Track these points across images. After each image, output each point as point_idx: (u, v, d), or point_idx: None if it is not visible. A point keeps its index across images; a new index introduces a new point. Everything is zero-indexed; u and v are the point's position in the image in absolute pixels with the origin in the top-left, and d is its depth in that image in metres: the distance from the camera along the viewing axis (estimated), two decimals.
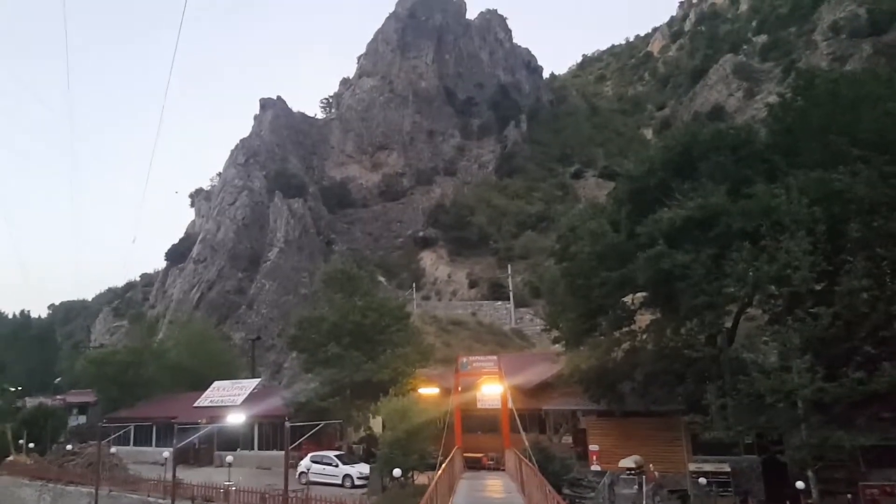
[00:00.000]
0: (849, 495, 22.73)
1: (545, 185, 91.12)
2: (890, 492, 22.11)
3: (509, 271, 66.64)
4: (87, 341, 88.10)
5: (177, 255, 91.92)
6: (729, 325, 27.07)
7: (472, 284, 74.31)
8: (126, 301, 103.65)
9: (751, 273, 23.09)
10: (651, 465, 25.66)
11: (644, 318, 29.10)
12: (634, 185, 28.40)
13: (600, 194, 45.99)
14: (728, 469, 24.67)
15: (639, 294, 29.09)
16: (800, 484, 22.27)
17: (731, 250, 23.54)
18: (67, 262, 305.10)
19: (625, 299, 28.70)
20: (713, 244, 24.62)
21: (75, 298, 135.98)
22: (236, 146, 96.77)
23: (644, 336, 28.01)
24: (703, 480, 24.01)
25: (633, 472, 25.15)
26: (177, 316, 69.40)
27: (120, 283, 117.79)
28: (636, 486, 24.28)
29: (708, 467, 24.88)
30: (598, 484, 24.69)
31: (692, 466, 25.32)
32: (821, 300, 22.84)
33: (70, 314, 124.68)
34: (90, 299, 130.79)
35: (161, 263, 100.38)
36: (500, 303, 66.95)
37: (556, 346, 35.04)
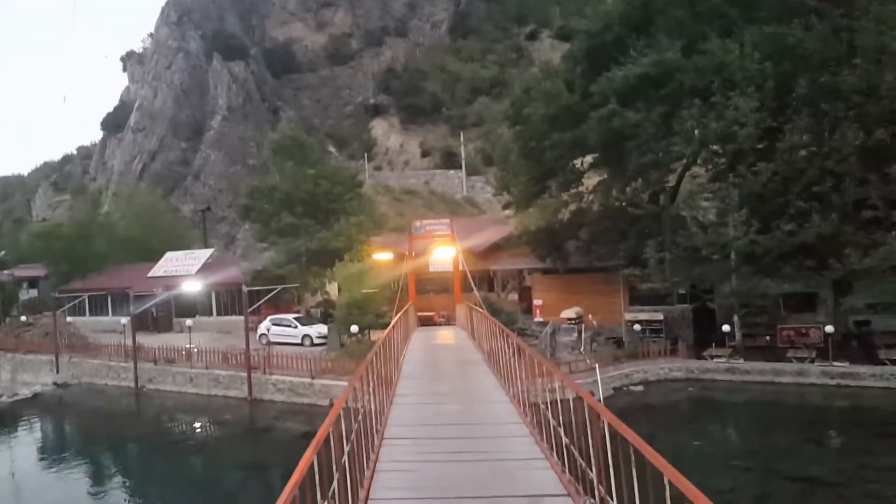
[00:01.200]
0: (767, 337, 25.07)
1: (500, 48, 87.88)
2: (804, 332, 24.34)
3: (462, 139, 65.95)
4: (28, 217, 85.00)
5: (113, 124, 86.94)
6: (672, 183, 28.09)
7: (425, 154, 73.46)
8: (65, 175, 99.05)
9: (697, 131, 23.72)
10: (590, 316, 27.43)
11: (591, 181, 29.90)
12: (591, 42, 27.88)
13: (555, 57, 44.75)
14: (661, 317, 26.62)
15: (588, 157, 29.68)
16: (725, 328, 24.35)
17: (681, 108, 23.91)
18: None
19: (575, 162, 29.22)
20: (664, 102, 24.89)
21: (10, 174, 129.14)
22: (167, 2, 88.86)
23: (591, 197, 28.90)
24: (637, 327, 25.93)
25: (573, 321, 26.87)
26: (120, 188, 67.05)
27: (56, 156, 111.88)
28: (576, 334, 26.08)
29: (643, 316, 26.77)
30: (541, 333, 26.38)
31: (628, 316, 27.22)
32: (762, 157, 23.77)
33: (7, 189, 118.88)
34: (26, 174, 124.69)
35: (98, 134, 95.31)
36: (452, 172, 66.83)
37: (507, 211, 35.91)
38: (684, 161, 26.94)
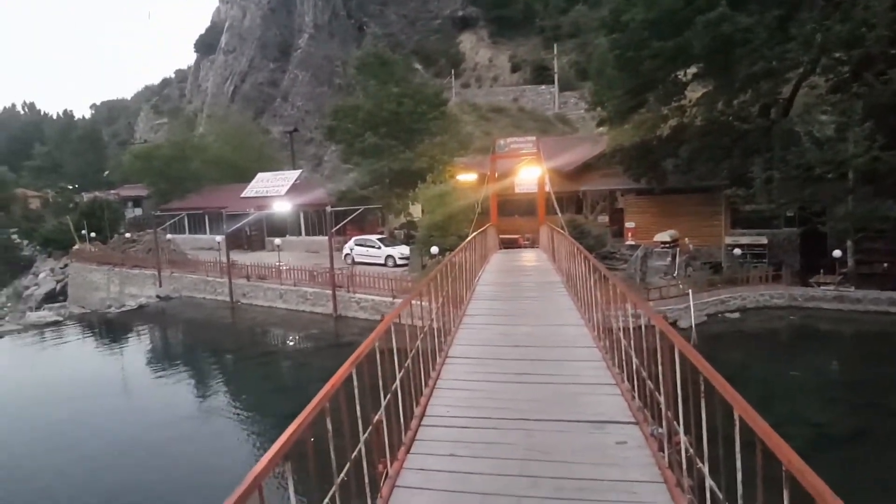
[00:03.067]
0: (885, 264, 22.72)
1: None
2: None
3: (555, 52, 62.46)
4: (131, 139, 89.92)
5: (205, 45, 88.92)
6: (786, 95, 25.37)
7: (515, 68, 70.36)
8: (164, 98, 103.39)
9: (819, 35, 21.01)
10: (686, 239, 25.85)
11: (694, 94, 27.49)
12: None
13: None
14: (765, 241, 24.70)
15: (692, 68, 27.19)
16: (837, 253, 22.25)
17: (800, 10, 21.16)
18: (102, 61, 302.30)
19: (676, 73, 26.85)
20: (781, 4, 22.22)
21: (115, 98, 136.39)
22: None
23: (693, 110, 26.62)
24: (737, 251, 24.20)
25: (667, 245, 25.43)
26: (214, 110, 69.17)
27: (156, 80, 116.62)
28: (669, 258, 24.70)
29: (745, 240, 24.95)
30: (631, 257, 25.19)
31: (728, 240, 25.43)
32: (893, 64, 20.91)
33: (113, 113, 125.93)
34: (129, 98, 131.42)
35: (193, 57, 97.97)
36: (543, 87, 63.83)
37: (600, 128, 33.96)
38: (801, 70, 24.13)
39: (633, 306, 5.65)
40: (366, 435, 3.86)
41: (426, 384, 5.79)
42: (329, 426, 3.28)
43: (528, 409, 5.28)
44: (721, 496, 3.27)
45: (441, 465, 4.35)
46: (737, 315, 21.23)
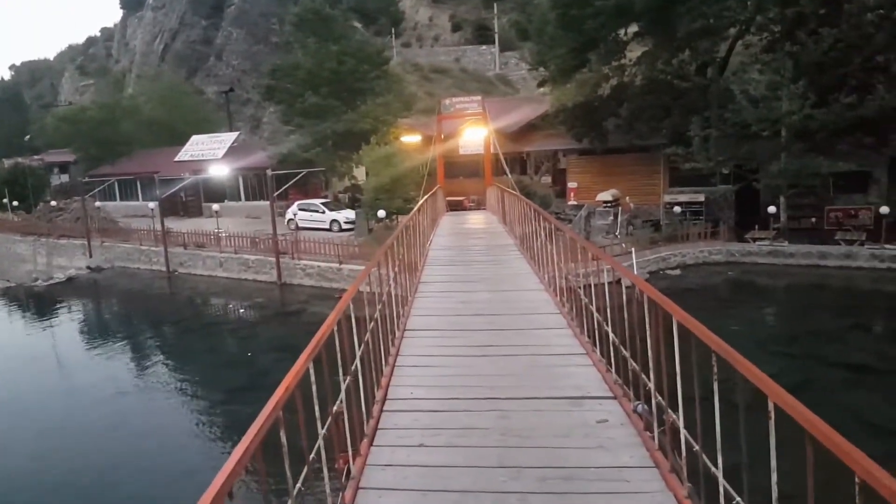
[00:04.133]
0: (813, 219, 23.78)
1: None
2: (853, 214, 23.04)
3: (495, 11, 61.79)
4: (56, 102, 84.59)
5: (132, 1, 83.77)
6: (723, 54, 25.82)
7: (456, 28, 69.39)
8: (89, 57, 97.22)
9: None
10: (627, 198, 26.29)
11: (634, 53, 27.67)
12: None
13: None
14: (702, 199, 25.39)
15: (633, 27, 27.28)
16: (771, 209, 23.10)
17: None
18: (20, 18, 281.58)
19: (618, 32, 26.90)
20: None
21: (37, 58, 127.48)
22: None
23: (634, 70, 26.84)
24: (677, 209, 24.81)
25: (609, 204, 25.83)
26: (143, 70, 65.50)
27: (80, 38, 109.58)
28: (611, 217, 25.14)
29: (683, 198, 25.57)
30: (575, 216, 25.50)
31: (667, 198, 26.01)
32: (825, 23, 21.50)
33: (35, 74, 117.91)
34: (52, 58, 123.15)
35: (118, 13, 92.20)
36: (484, 47, 63.25)
37: (542, 89, 33.88)
38: (736, 29, 24.56)
39: (613, 269, 5.10)
40: (324, 430, 3.42)
41: (386, 362, 5.32)
42: (283, 439, 2.73)
43: (499, 387, 4.92)
44: (725, 485, 2.94)
45: (410, 459, 3.93)
46: (678, 272, 21.86)
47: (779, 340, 15.61)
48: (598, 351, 5.28)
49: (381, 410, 4.59)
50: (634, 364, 4.19)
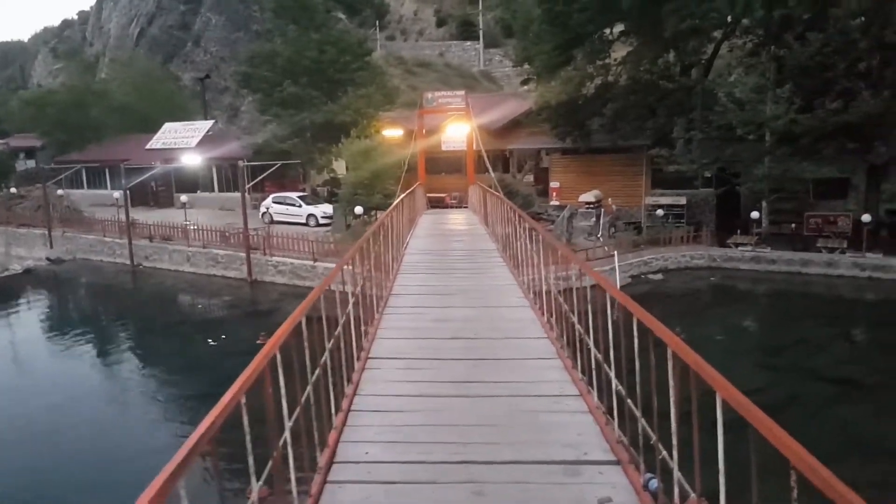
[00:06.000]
0: (793, 225, 23.60)
1: None
2: (832, 221, 22.88)
3: (480, 6, 61.19)
4: (26, 85, 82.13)
5: None
6: (708, 56, 25.53)
7: (441, 23, 68.81)
8: (64, 40, 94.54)
9: None
10: (610, 200, 25.90)
11: (620, 52, 27.27)
12: None
13: None
14: (684, 202, 25.12)
15: (619, 26, 26.86)
16: (754, 214, 22.89)
17: None
18: None
19: (604, 30, 26.47)
20: None
21: (10, 40, 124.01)
22: None
23: (619, 69, 26.43)
24: (659, 212, 24.48)
25: (591, 205, 25.42)
26: (117, 54, 63.63)
27: (56, 21, 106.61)
28: (593, 219, 24.72)
29: (665, 200, 25.27)
30: (557, 217, 25.01)
31: (649, 200, 25.68)
32: (811, 27, 21.32)
33: (8, 56, 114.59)
34: (26, 40, 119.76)
35: None
36: (469, 43, 62.80)
37: (526, 86, 33.38)
38: (723, 30, 24.27)
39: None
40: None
41: (339, 407, 4.40)
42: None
43: (475, 443, 4.04)
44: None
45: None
46: (659, 276, 21.49)
47: (765, 351, 15.30)
48: (594, 393, 4.44)
49: (325, 481, 3.54)
50: (647, 425, 3.35)
